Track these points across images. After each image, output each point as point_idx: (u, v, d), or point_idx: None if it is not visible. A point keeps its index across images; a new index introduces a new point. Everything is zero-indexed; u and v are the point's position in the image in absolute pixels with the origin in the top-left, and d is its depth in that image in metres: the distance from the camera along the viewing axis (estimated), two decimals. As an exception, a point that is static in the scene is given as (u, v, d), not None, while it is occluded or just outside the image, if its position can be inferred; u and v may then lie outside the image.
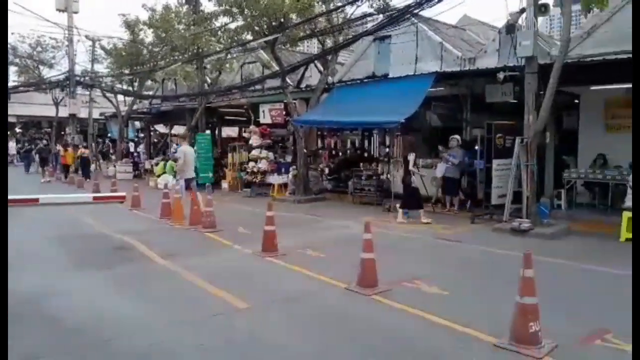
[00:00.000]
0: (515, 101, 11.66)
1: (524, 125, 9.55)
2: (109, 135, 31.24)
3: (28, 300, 5.24)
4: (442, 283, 5.97)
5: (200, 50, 17.99)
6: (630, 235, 8.62)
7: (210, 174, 16.95)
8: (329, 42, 15.24)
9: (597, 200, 12.16)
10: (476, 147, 12.70)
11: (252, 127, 16.73)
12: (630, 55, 9.41)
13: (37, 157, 23.72)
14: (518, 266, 4.15)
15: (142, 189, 14.70)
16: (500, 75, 10.46)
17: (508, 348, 4.07)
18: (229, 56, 18.95)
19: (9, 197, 4.74)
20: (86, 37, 24.43)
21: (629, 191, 8.79)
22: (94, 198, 7.40)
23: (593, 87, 11.70)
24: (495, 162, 10.58)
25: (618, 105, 12.03)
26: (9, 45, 23.37)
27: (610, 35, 10.80)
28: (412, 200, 10.67)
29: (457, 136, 11.54)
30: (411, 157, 10.89)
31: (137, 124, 30.19)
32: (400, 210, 10.67)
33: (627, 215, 8.73)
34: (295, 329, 4.68)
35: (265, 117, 16.89)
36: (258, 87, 18.94)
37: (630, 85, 11.08)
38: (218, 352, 4.15)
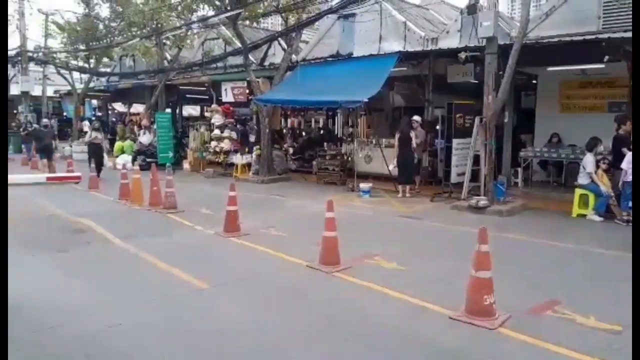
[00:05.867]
0: (475, 81, 11.85)
1: (483, 105, 9.71)
2: (65, 114, 29.96)
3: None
4: (402, 259, 6.09)
5: (159, 25, 17.39)
6: (581, 212, 9.03)
7: (171, 154, 16.57)
8: (293, 20, 14.99)
9: (552, 178, 12.63)
10: (437, 127, 12.89)
11: (214, 105, 16.41)
12: (585, 37, 9.72)
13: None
14: (474, 242, 4.25)
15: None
16: (462, 56, 10.51)
17: (463, 320, 4.20)
18: (189, 32, 18.42)
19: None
20: (39, 10, 23.18)
21: (581, 169, 9.14)
22: (48, 179, 7.12)
23: (550, 68, 12.00)
24: (455, 142, 10.76)
25: (572, 86, 12.44)
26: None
27: (567, 17, 11.05)
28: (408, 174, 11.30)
29: (417, 117, 11.65)
30: (412, 134, 11.17)
31: (95, 102, 29.06)
32: (401, 187, 11.17)
33: (579, 192, 9.10)
34: (255, 306, 4.67)
35: (227, 96, 16.57)
36: (220, 64, 18.50)
37: (584, 67, 11.48)
38: (175, 333, 4.10)
